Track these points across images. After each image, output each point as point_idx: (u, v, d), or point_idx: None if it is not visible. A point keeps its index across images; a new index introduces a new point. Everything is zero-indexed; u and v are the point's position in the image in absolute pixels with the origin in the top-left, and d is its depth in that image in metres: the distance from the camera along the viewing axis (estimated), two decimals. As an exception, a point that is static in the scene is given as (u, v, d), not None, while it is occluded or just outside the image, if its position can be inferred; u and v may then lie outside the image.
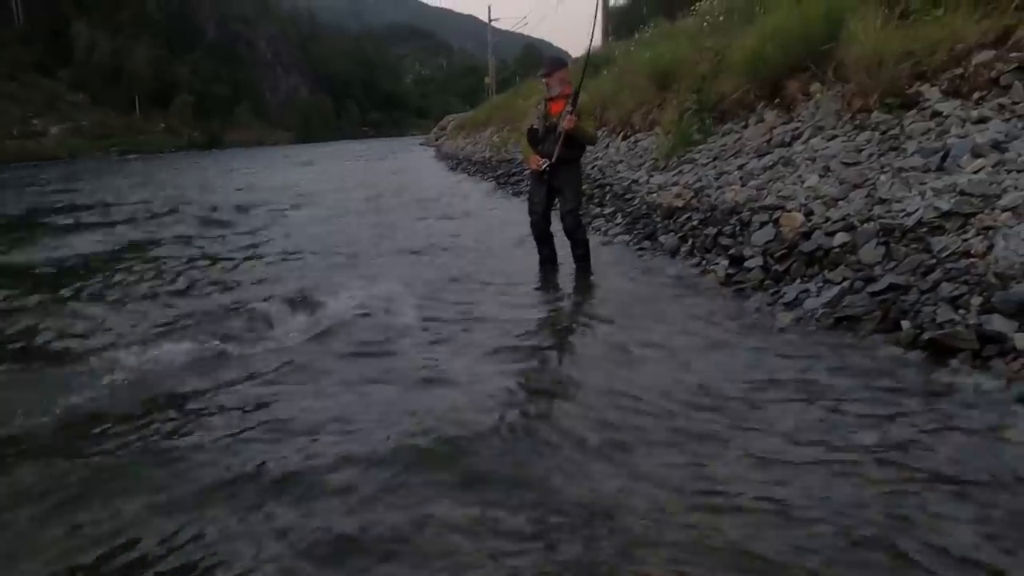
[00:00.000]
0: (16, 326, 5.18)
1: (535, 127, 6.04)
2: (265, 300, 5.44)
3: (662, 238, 6.60)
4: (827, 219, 4.88)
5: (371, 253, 7.77)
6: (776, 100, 7.86)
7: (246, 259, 7.78)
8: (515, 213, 10.47)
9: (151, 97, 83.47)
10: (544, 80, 6.06)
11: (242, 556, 2.19)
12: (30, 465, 2.90)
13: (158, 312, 5.48)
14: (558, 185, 5.95)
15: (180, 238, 9.83)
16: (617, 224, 7.71)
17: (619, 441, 2.82)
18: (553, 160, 5.84)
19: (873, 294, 3.85)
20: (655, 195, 7.79)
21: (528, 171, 6.39)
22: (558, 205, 6.11)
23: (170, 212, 13.69)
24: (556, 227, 6.15)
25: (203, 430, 3.16)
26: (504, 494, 2.47)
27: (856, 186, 5.12)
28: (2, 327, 5.17)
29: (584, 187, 9.81)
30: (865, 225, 4.51)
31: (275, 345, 4.35)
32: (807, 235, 4.84)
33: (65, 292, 6.38)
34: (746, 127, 8.07)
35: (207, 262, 7.71)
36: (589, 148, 6.87)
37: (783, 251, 4.89)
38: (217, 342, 4.33)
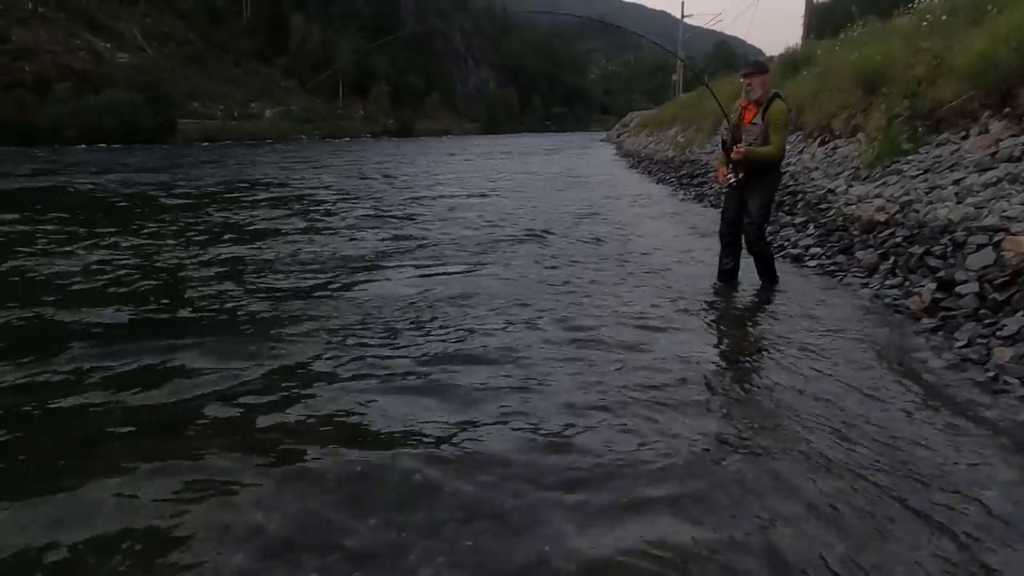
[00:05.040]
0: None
1: (725, 139, 5.72)
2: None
3: (859, 254, 6.16)
4: (1062, 246, 4.34)
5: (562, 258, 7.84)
6: (1005, 109, 7.08)
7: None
8: (695, 217, 10.20)
9: (353, 85, 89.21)
10: (745, 81, 5.63)
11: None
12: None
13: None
14: (747, 195, 5.66)
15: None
16: (808, 235, 7.28)
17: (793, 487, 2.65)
18: (740, 177, 5.58)
19: (1118, 336, 3.38)
20: (854, 207, 7.27)
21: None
22: None
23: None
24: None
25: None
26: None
27: (1102, 211, 4.52)
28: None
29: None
30: (1111, 257, 3.96)
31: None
32: (1035, 263, 4.33)
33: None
34: (966, 138, 7.33)
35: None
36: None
37: (1004, 278, 4.40)
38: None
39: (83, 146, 38.28)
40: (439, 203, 12.77)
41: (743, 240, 5.78)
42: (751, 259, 5.82)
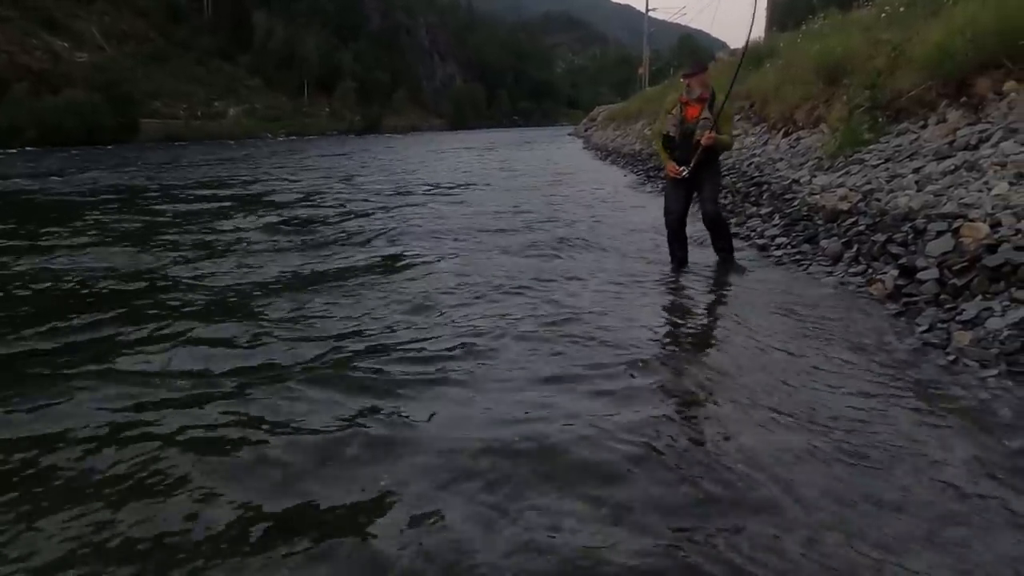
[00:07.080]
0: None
1: (671, 134, 6.08)
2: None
3: (823, 243, 6.26)
4: (1017, 231, 4.44)
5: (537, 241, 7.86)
6: (962, 99, 7.24)
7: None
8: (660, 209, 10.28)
9: (318, 83, 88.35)
10: (686, 81, 6.06)
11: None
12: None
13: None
14: (698, 183, 6.04)
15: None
16: (774, 225, 7.38)
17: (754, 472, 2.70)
18: (691, 168, 5.92)
19: (1071, 318, 3.49)
20: (817, 196, 7.38)
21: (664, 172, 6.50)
22: (697, 202, 6.27)
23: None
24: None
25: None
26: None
27: (1055, 197, 4.64)
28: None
29: (740, 185, 9.54)
30: (1064, 241, 4.08)
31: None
32: (992, 248, 4.43)
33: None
34: (924, 127, 7.49)
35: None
36: (738, 146, 6.92)
37: (963, 264, 4.50)
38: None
39: (21, 149, 37.32)
40: (405, 200, 12.73)
41: (702, 218, 6.25)
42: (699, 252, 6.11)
